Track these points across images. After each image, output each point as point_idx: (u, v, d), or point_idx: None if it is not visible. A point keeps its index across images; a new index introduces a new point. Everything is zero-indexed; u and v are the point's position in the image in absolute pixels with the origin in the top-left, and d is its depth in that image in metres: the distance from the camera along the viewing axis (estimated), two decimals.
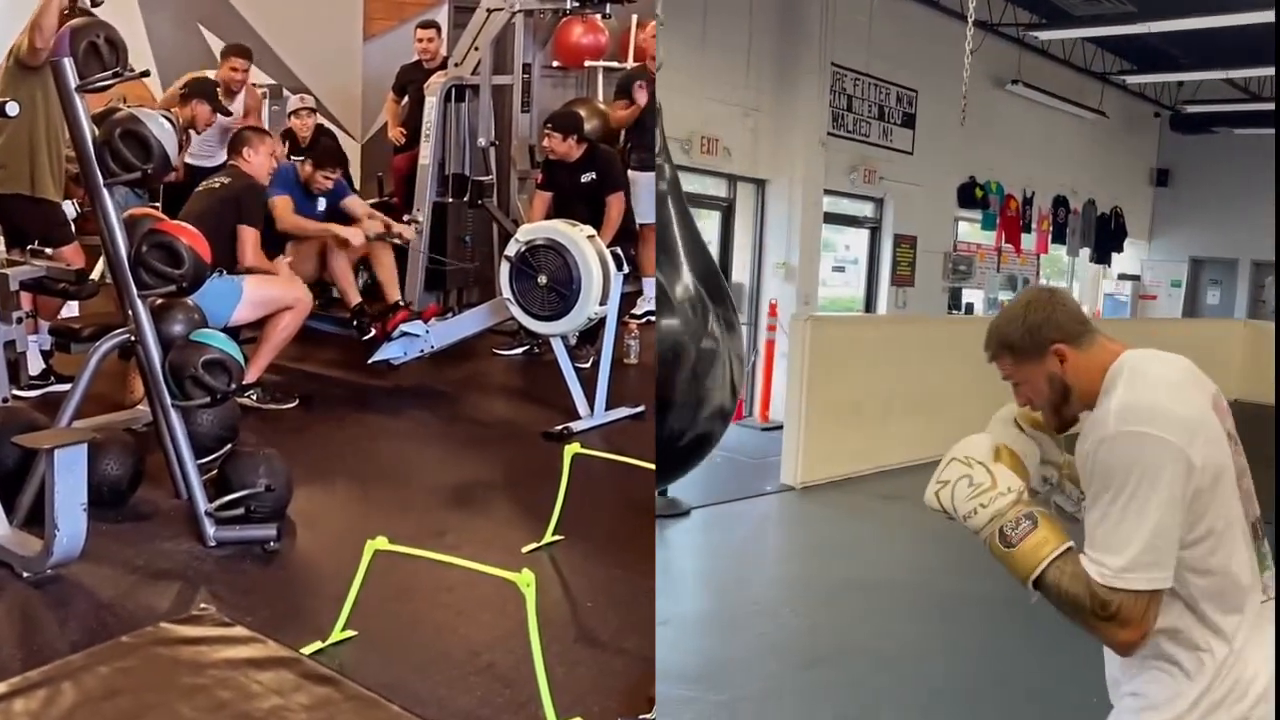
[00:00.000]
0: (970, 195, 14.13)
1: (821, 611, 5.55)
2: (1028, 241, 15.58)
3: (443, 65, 8.06)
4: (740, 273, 10.59)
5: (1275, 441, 2.73)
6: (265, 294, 5.53)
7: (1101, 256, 17.62)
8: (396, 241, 6.62)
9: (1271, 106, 15.89)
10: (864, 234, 13.07)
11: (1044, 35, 13.59)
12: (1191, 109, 17.13)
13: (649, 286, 7.39)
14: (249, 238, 5.63)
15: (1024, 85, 14.01)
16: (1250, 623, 1.94)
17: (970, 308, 14.76)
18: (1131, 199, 18.00)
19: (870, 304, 13.10)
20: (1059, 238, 16.36)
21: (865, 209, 12.87)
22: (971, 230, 14.75)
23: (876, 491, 7.78)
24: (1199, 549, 1.89)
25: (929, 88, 12.35)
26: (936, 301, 13.96)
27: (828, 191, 11.28)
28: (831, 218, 11.99)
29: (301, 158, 7.02)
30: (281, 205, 6.15)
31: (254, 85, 8.09)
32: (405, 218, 6.95)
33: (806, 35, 10.35)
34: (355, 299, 6.26)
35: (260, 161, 5.84)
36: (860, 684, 4.63)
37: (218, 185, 5.73)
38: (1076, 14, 13.17)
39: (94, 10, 4.56)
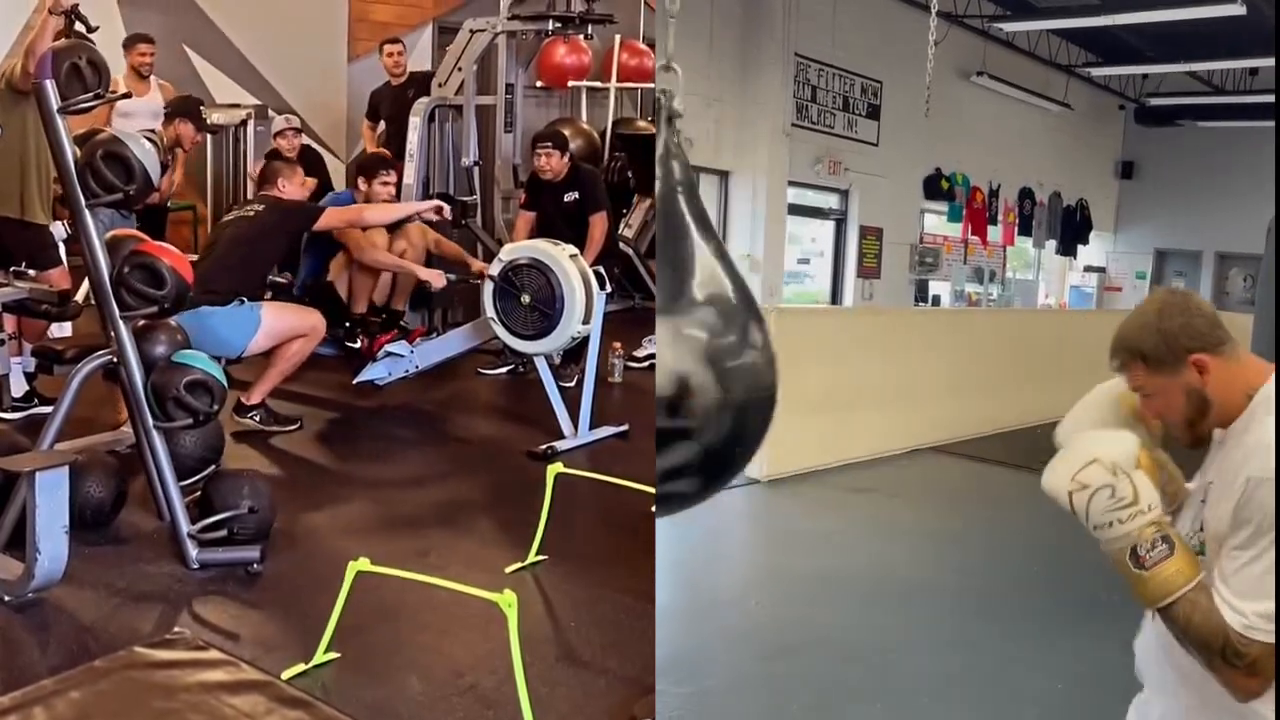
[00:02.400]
0: (936, 187, 14.22)
1: (788, 604, 5.52)
2: (994, 233, 15.73)
3: (410, 79, 8.13)
4: None
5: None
6: (283, 324, 5.52)
7: (1067, 248, 17.78)
8: (475, 282, 6.13)
9: (1234, 100, 16.12)
10: (829, 225, 13.06)
11: (1009, 27, 13.65)
12: (1156, 102, 17.25)
13: None
14: (332, 219, 5.74)
15: (989, 77, 14.09)
16: None
17: (937, 300, 14.84)
18: (1097, 191, 18.15)
19: (836, 296, 13.10)
20: (1025, 230, 16.52)
21: (830, 200, 12.88)
22: (938, 222, 14.84)
23: (844, 484, 7.74)
24: None
25: (894, 79, 12.40)
26: (903, 294, 14.00)
27: (792, 183, 11.31)
28: (796, 209, 12.00)
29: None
30: (364, 236, 6.11)
31: (239, 106, 8.15)
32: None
33: (769, 25, 10.36)
34: (363, 309, 6.24)
35: (293, 191, 5.86)
36: (827, 676, 4.59)
37: (252, 214, 5.70)
38: (1041, 6, 13.24)
39: (90, 36, 4.59)
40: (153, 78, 7.58)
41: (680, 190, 2.29)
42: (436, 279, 6.09)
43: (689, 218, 2.27)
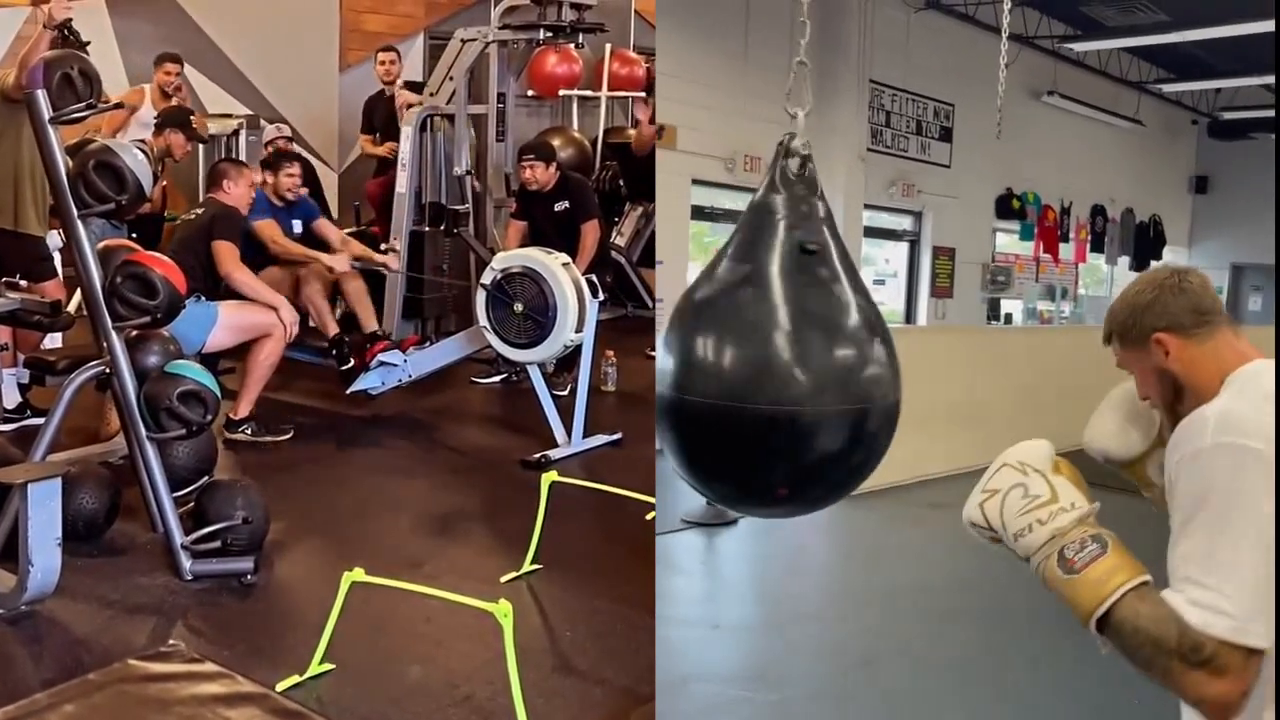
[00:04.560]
0: (1008, 206, 14.27)
1: (866, 617, 5.62)
2: (1066, 251, 15.72)
3: (403, 87, 8.14)
4: None
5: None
6: (241, 319, 5.52)
7: (1141, 264, 17.59)
8: (383, 271, 6.68)
9: None
10: (903, 247, 13.17)
11: (1079, 47, 13.64)
12: (1228, 115, 17.14)
13: None
14: (224, 250, 5.62)
15: (1060, 96, 14.12)
16: None
17: (1009, 318, 14.90)
18: (1170, 206, 18.08)
19: (910, 315, 13.19)
20: (1097, 246, 16.46)
21: (904, 222, 13.00)
22: (1009, 241, 14.90)
23: (922, 500, 7.81)
24: None
25: (966, 101, 12.49)
26: (975, 312, 14.07)
27: (867, 206, 11.39)
28: (871, 231, 12.12)
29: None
30: (270, 229, 6.19)
31: (231, 116, 8.15)
32: (383, 246, 6.97)
33: (845, 52, 10.47)
34: (333, 329, 6.23)
35: (240, 193, 5.84)
36: (905, 687, 4.68)
37: (194, 217, 5.76)
38: (1110, 25, 13.22)
39: (82, 48, 4.59)
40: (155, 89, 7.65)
41: (825, 223, 2.52)
42: (339, 262, 6.31)
43: (831, 249, 2.43)
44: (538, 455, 5.42)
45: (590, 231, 6.72)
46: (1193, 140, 18.39)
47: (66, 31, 5.06)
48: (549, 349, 5.65)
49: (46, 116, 3.96)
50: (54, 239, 5.60)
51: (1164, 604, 1.55)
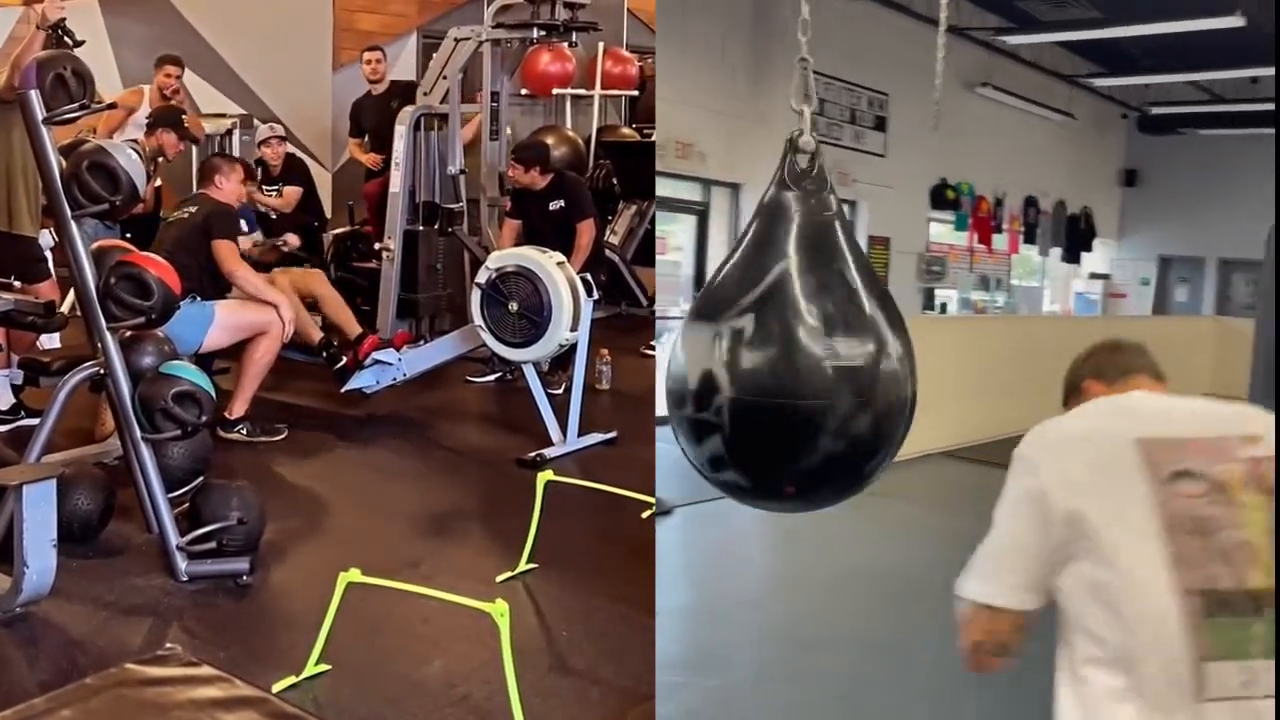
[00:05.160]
0: (942, 196, 14.28)
1: (808, 602, 5.61)
2: (999, 241, 15.78)
3: (391, 88, 8.14)
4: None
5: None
6: (237, 318, 5.50)
7: (1072, 256, 17.82)
8: (284, 249, 6.80)
9: (1235, 109, 16.21)
10: None
11: (1012, 39, 13.71)
12: (1158, 111, 17.31)
13: None
14: (225, 249, 5.57)
15: (993, 88, 14.14)
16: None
17: (944, 307, 14.91)
18: (1100, 199, 18.22)
19: None
20: (1030, 238, 16.57)
21: None
22: (944, 231, 14.90)
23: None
24: (1069, 596, 1.73)
25: (900, 91, 12.47)
26: (911, 301, 14.04)
27: None
28: None
29: (275, 187, 7.05)
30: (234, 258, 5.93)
31: (224, 116, 8.14)
32: (377, 245, 6.96)
33: (779, 39, 10.39)
34: (317, 336, 6.17)
35: (231, 189, 5.81)
36: (849, 668, 4.70)
37: (187, 215, 5.70)
38: (1044, 19, 13.29)
39: (74, 50, 4.57)
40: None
41: (836, 219, 2.58)
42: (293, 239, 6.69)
43: (844, 244, 2.46)
44: (533, 454, 5.42)
45: (585, 230, 6.71)
46: (1123, 134, 18.51)
47: (60, 31, 5.05)
48: (544, 348, 5.65)
49: (40, 117, 3.95)
50: (46, 239, 5.59)
51: None
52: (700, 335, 2.51)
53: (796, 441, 2.42)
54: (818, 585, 5.86)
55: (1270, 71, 13.57)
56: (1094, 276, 19.00)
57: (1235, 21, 11.10)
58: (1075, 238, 17.60)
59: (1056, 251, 17.39)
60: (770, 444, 2.46)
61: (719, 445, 2.51)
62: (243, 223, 6.60)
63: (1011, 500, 1.80)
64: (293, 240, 6.90)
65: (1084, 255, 18.09)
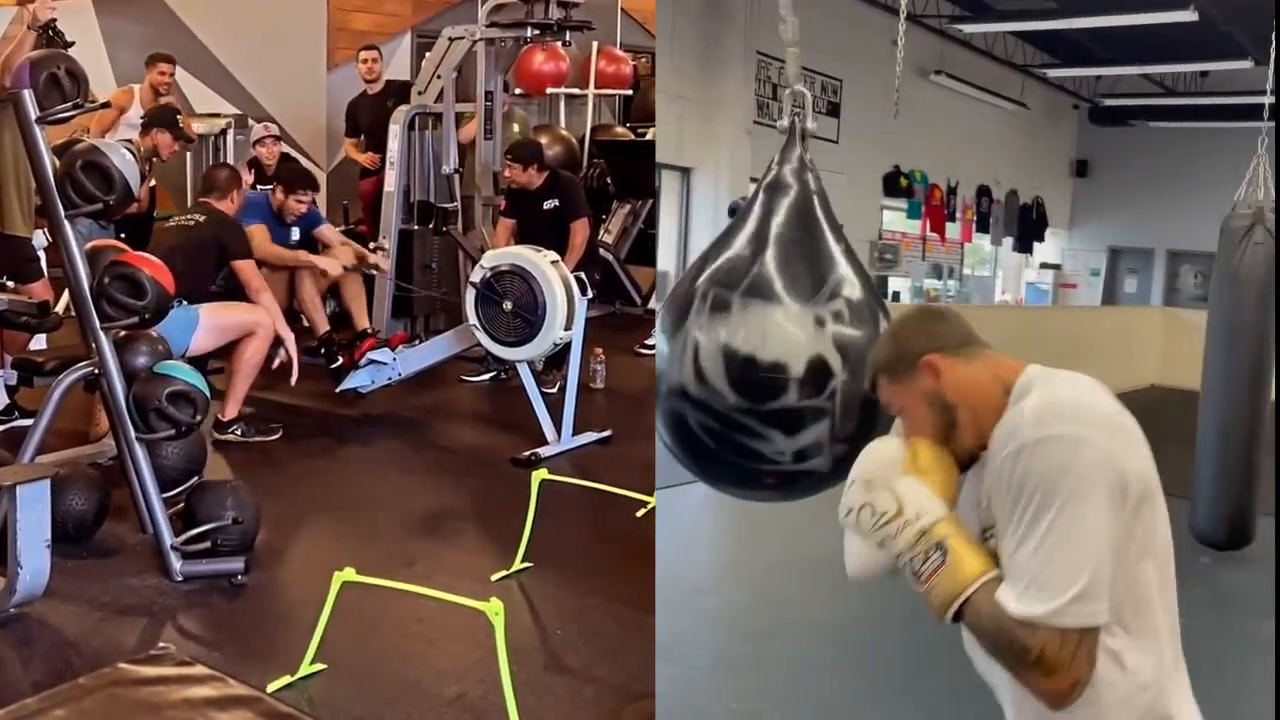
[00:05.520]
0: (895, 184, 14.35)
1: (763, 589, 5.64)
2: (952, 230, 15.90)
3: (387, 88, 8.14)
4: (666, 261, 10.54)
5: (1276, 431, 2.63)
6: (224, 320, 5.49)
7: (1024, 245, 17.99)
8: (372, 272, 6.65)
9: (1185, 102, 16.49)
10: None
11: (967, 28, 13.79)
12: (1109, 102, 17.47)
13: None
14: (248, 270, 5.64)
15: (947, 76, 14.19)
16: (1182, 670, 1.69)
17: (897, 296, 14.97)
18: (1052, 189, 18.39)
19: None
20: (983, 227, 16.70)
21: None
22: (897, 219, 14.95)
23: None
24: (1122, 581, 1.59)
25: (853, 77, 12.49)
26: None
27: (754, 179, 11.31)
28: None
29: (270, 186, 7.04)
30: (259, 234, 6.09)
31: (219, 116, 8.14)
32: (372, 245, 6.96)
33: (731, 22, 10.35)
34: (324, 327, 6.23)
35: (235, 206, 5.83)
36: (806, 653, 4.74)
37: (191, 223, 5.70)
38: (998, 8, 13.40)
39: (66, 48, 4.58)
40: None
41: (817, 198, 2.49)
42: (333, 266, 6.27)
43: (824, 223, 2.48)
44: (528, 453, 5.42)
45: (579, 230, 6.72)
46: (1074, 125, 18.68)
47: (51, 32, 5.05)
48: (538, 347, 5.65)
49: (33, 116, 3.94)
50: (40, 239, 5.59)
51: (998, 605, 1.57)
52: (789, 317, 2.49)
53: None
54: (771, 573, 5.88)
55: (1221, 66, 13.85)
56: (1045, 266, 19.14)
57: (1188, 16, 11.24)
58: (1027, 227, 17.76)
59: (1009, 241, 17.52)
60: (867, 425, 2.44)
61: (824, 431, 2.48)
62: (295, 231, 6.58)
63: (1098, 499, 1.54)
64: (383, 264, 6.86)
65: (1036, 245, 18.25)
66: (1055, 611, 1.52)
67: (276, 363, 5.71)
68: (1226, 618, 5.15)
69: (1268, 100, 6.17)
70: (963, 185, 15.88)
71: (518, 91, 9.37)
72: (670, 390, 2.59)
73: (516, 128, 8.52)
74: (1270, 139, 5.98)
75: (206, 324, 5.40)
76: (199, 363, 5.24)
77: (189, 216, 5.81)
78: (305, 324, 6.32)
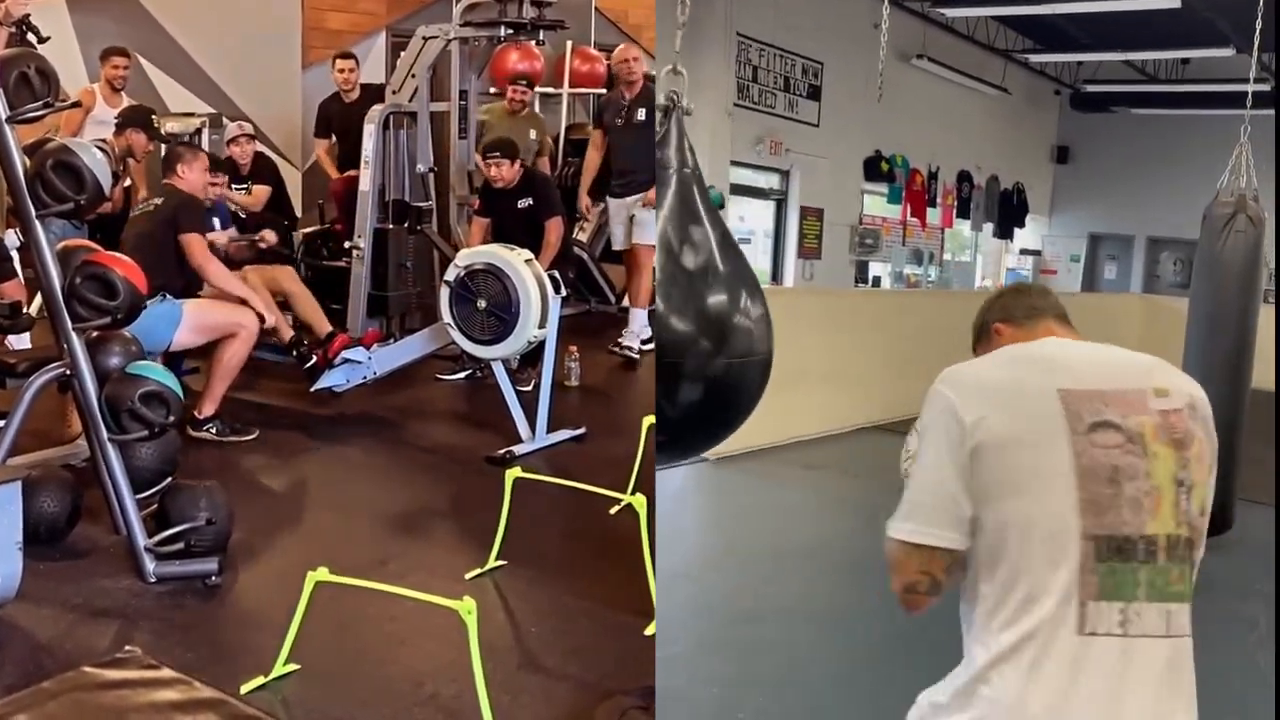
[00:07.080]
0: (876, 169, 14.34)
1: (745, 575, 5.69)
2: (933, 216, 15.94)
3: (363, 95, 8.11)
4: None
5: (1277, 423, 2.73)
6: (207, 318, 5.48)
7: (1004, 231, 18.05)
8: (262, 246, 6.72)
9: (1167, 89, 16.61)
10: (760, 205, 13.02)
11: (949, 12, 13.79)
12: (1091, 88, 17.55)
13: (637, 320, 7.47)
14: (194, 243, 5.53)
15: (929, 60, 14.19)
16: (1053, 658, 1.73)
17: (877, 280, 15.00)
18: (1033, 175, 18.45)
19: (777, 276, 13.15)
20: (963, 212, 16.74)
21: (772, 180, 12.89)
22: (878, 204, 14.96)
23: (793, 461, 7.88)
24: (982, 540, 1.78)
25: (834, 61, 12.46)
26: (843, 274, 14.11)
27: (734, 163, 11.28)
28: (738, 189, 11.98)
29: (244, 185, 7.03)
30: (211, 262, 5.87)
31: (193, 115, 8.10)
32: (347, 244, 6.95)
33: (711, 5, 10.32)
34: (288, 334, 6.15)
35: (195, 178, 5.77)
36: (788, 639, 4.79)
37: (153, 208, 5.66)
38: None
39: (39, 46, 4.55)
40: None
41: (693, 179, 2.64)
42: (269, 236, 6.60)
43: (699, 203, 2.55)
44: (502, 451, 5.42)
45: (554, 228, 6.73)
46: (1055, 110, 18.75)
47: (24, 28, 5.02)
48: (513, 345, 5.66)
49: (3, 115, 3.93)
50: (11, 239, 5.55)
51: None
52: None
53: None
54: (752, 558, 5.94)
55: (1202, 53, 13.94)
56: (1025, 253, 19.20)
57: (1170, 2, 11.31)
58: (1008, 213, 17.83)
59: (989, 227, 17.57)
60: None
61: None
62: (215, 220, 6.59)
63: (934, 445, 1.81)
64: (270, 236, 6.85)
65: (1016, 231, 18.31)
66: (893, 527, 1.83)
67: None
68: (1210, 601, 5.21)
69: (1250, 88, 6.21)
70: (944, 170, 15.92)
71: (492, 90, 9.36)
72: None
73: (533, 134, 8.47)
74: (1251, 128, 6.02)
75: (190, 321, 5.38)
76: (175, 362, 5.23)
77: (151, 202, 5.78)
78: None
